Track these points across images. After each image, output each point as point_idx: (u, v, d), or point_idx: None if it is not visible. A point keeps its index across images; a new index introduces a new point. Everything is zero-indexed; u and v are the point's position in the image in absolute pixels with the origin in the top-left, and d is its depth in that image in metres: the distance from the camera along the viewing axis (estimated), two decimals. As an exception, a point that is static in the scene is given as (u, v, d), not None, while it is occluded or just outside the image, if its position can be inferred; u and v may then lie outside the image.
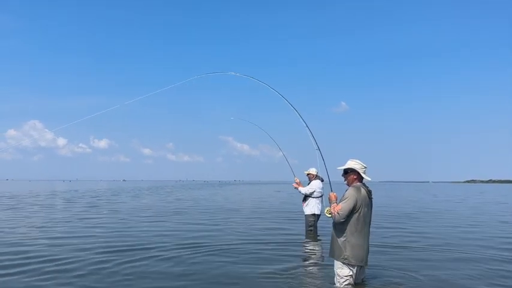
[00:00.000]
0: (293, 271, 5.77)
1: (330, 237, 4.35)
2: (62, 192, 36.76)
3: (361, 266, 4.20)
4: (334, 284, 4.25)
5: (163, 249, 7.51)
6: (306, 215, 8.74)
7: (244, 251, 7.35)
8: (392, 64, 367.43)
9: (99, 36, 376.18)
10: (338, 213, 4.01)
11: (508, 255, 7.14)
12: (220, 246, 7.83)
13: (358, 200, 4.03)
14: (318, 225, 8.83)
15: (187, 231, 9.99)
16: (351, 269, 4.12)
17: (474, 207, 20.65)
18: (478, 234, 9.98)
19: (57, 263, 6.25)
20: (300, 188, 8.56)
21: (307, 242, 8.37)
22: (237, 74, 6.78)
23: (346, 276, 4.12)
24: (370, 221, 4.27)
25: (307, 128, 5.34)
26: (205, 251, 7.27)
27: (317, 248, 7.76)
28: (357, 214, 4.03)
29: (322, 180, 8.44)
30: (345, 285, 4.10)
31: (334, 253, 4.19)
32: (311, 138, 5.22)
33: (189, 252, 7.15)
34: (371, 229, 4.36)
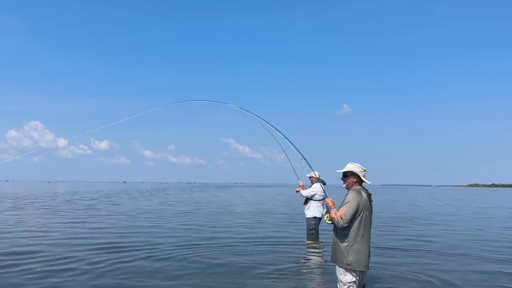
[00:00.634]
0: (294, 275, 5.70)
1: (331, 241, 4.23)
2: (62, 194, 36.75)
3: (364, 271, 4.08)
4: (337, 290, 4.14)
5: (160, 249, 7.51)
6: (307, 218, 8.65)
7: (244, 254, 7.25)
8: (395, 67, 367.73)
9: (102, 37, 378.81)
10: (341, 218, 3.87)
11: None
12: (220, 247, 7.77)
13: (360, 204, 3.92)
14: (319, 228, 8.72)
15: (187, 232, 9.90)
16: (353, 275, 3.99)
17: (479, 212, 20.47)
18: (486, 239, 9.86)
19: (56, 262, 6.33)
20: (302, 191, 8.52)
21: (308, 245, 8.29)
22: (232, 106, 6.40)
23: (349, 282, 3.98)
24: (371, 224, 4.14)
25: (287, 140, 5.29)
26: (205, 253, 7.18)
27: (318, 252, 7.67)
28: (359, 218, 3.91)
29: (324, 183, 8.33)
30: (348, 292, 3.96)
31: (336, 259, 4.06)
32: (294, 149, 5.22)
33: (189, 253, 7.10)
34: (372, 231, 4.23)
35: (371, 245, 4.04)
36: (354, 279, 3.99)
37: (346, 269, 3.99)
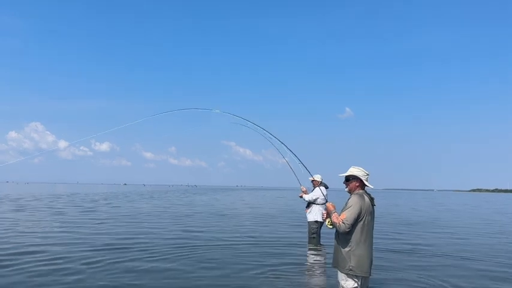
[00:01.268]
0: (295, 280, 5.64)
1: (332, 244, 4.17)
2: (61, 195, 36.80)
3: (366, 277, 4.01)
4: (338, 295, 4.08)
5: (158, 250, 7.56)
6: (308, 222, 8.60)
7: (245, 257, 7.21)
8: (397, 70, 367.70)
9: (102, 38, 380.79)
10: (343, 222, 3.80)
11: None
12: (222, 250, 7.73)
13: (362, 208, 3.84)
14: (320, 232, 8.66)
15: (186, 233, 9.85)
16: (355, 281, 3.91)
17: (485, 218, 20.32)
18: (495, 244, 9.83)
19: (52, 262, 6.42)
20: (304, 196, 8.48)
21: (309, 249, 8.24)
22: (218, 111, 6.38)
23: (351, 288, 3.91)
24: (373, 229, 4.07)
25: (287, 148, 5.23)
26: (207, 257, 7.14)
27: (320, 256, 7.62)
28: (362, 223, 3.84)
29: (326, 187, 8.29)
30: (350, 297, 3.90)
31: (338, 264, 3.99)
32: (293, 156, 5.22)
33: (187, 253, 7.09)
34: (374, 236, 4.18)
35: (373, 250, 3.98)
36: (356, 284, 3.92)
37: (348, 275, 3.92)
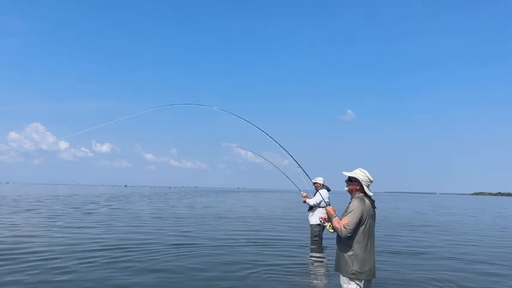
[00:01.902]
0: (297, 284, 5.60)
1: (335, 247, 4.13)
2: (63, 197, 36.80)
3: (369, 280, 3.97)
4: (341, 299, 4.05)
5: (155, 249, 7.71)
6: (311, 225, 8.56)
7: (246, 258, 7.20)
8: (398, 73, 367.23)
9: (103, 39, 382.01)
10: (345, 227, 3.75)
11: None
12: (224, 253, 7.73)
13: (364, 212, 3.77)
14: (323, 235, 8.63)
15: (187, 234, 9.88)
16: (358, 284, 3.87)
17: (487, 221, 20.19)
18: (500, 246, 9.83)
19: (53, 260, 6.58)
20: (308, 200, 8.35)
21: (312, 252, 8.21)
22: (214, 108, 6.38)
23: (353, 292, 3.87)
24: (374, 232, 4.03)
25: (286, 152, 5.19)
26: (209, 260, 7.12)
27: (322, 259, 7.59)
28: (363, 227, 3.77)
29: (328, 190, 8.25)
30: (352, 301, 3.86)
31: (340, 268, 3.94)
32: (287, 161, 5.18)
33: (187, 252, 7.09)
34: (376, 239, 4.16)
35: (375, 253, 3.95)
36: (358, 287, 3.89)
37: (351, 278, 3.88)
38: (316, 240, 8.52)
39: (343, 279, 3.91)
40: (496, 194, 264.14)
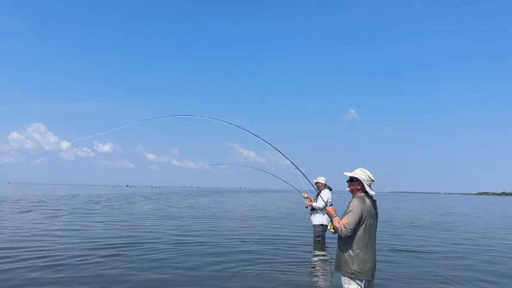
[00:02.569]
0: (298, 283, 5.61)
1: (336, 247, 4.13)
2: (64, 197, 36.92)
3: (369, 280, 3.96)
4: (341, 299, 4.05)
5: (154, 247, 7.87)
6: (314, 225, 8.55)
7: (248, 258, 7.22)
8: (402, 73, 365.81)
9: (105, 39, 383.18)
10: (345, 227, 3.75)
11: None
12: (226, 251, 7.75)
13: (363, 212, 3.77)
14: (325, 235, 8.62)
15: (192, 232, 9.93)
16: (359, 284, 3.86)
17: (491, 221, 20.06)
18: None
19: (50, 258, 6.76)
20: (315, 204, 8.16)
21: (314, 252, 8.21)
22: (204, 117, 6.32)
23: (354, 291, 3.86)
24: (376, 232, 4.03)
25: (282, 155, 5.20)
26: (211, 258, 7.15)
27: (324, 259, 7.59)
28: (363, 226, 3.77)
29: (330, 189, 8.23)
30: (353, 301, 3.86)
31: (340, 267, 3.94)
32: (289, 161, 5.13)
33: (189, 249, 7.13)
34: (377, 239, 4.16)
35: (376, 253, 3.95)
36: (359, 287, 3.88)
37: (351, 278, 3.88)
38: (318, 240, 8.51)
39: (344, 279, 3.90)
40: (500, 194, 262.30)
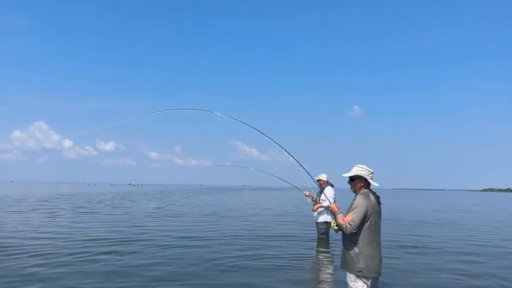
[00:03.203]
0: (302, 281, 5.58)
1: (342, 245, 4.07)
2: (67, 195, 37.12)
3: (376, 277, 3.89)
4: (347, 297, 3.99)
5: (154, 243, 7.77)
6: (317, 223, 8.49)
7: (252, 259, 7.15)
8: (407, 69, 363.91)
9: (107, 39, 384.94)
10: (350, 224, 3.69)
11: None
12: (230, 250, 7.71)
13: (368, 208, 3.73)
14: (329, 233, 8.56)
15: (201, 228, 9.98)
16: (365, 282, 3.80)
17: (496, 218, 19.92)
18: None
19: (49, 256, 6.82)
20: (325, 204, 7.92)
21: (318, 250, 8.17)
22: (218, 114, 5.92)
23: (360, 289, 3.80)
24: (380, 229, 3.96)
25: (286, 152, 5.09)
26: (216, 254, 7.12)
27: (329, 257, 7.54)
28: (368, 223, 3.73)
29: (332, 186, 8.14)
30: (360, 299, 3.79)
31: (347, 265, 3.88)
32: (292, 159, 4.96)
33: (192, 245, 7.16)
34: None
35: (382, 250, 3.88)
36: (365, 285, 3.82)
37: (357, 276, 3.82)
38: (322, 237, 8.47)
39: (350, 277, 3.85)
40: (506, 190, 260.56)
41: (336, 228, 3.89)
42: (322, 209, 8.13)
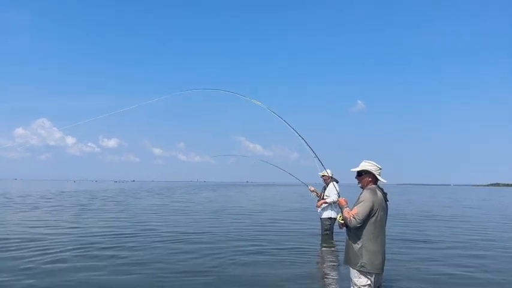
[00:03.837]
0: (306, 277, 5.59)
1: (345, 241, 4.05)
2: (70, 192, 37.39)
3: (379, 274, 3.88)
4: (351, 293, 3.97)
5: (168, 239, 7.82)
6: (321, 219, 8.46)
7: (255, 255, 7.16)
8: (411, 63, 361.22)
9: (109, 35, 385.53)
10: (354, 217, 3.68)
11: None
12: (234, 248, 7.69)
13: (375, 203, 3.72)
14: (333, 229, 8.53)
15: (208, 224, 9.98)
16: (368, 278, 3.79)
17: (503, 213, 19.78)
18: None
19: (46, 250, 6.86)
20: (329, 201, 7.93)
21: (322, 246, 8.15)
22: (255, 101, 5.56)
23: (364, 285, 3.79)
24: (385, 225, 3.95)
25: (302, 139, 5.01)
26: (220, 253, 7.15)
27: (333, 253, 7.54)
28: (374, 218, 3.72)
29: (336, 182, 8.09)
30: (363, 295, 3.77)
31: (350, 261, 3.87)
32: (308, 148, 4.90)
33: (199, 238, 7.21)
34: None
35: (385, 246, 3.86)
36: (369, 281, 3.81)
37: (361, 271, 3.81)
38: (326, 233, 8.45)
39: (354, 273, 3.84)
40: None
41: (342, 222, 3.89)
42: (326, 205, 8.11)
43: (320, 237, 8.61)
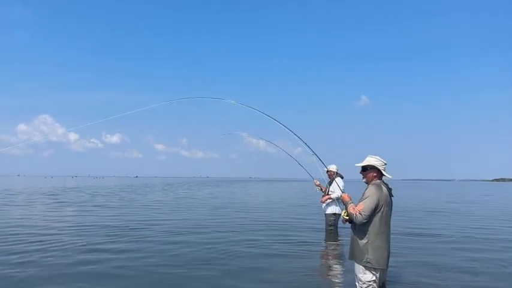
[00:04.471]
0: (311, 273, 5.56)
1: (350, 237, 4.04)
2: (72, 189, 37.62)
3: (384, 269, 3.86)
4: (356, 288, 3.95)
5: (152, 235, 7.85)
6: (326, 214, 8.44)
7: (260, 249, 7.17)
8: (415, 58, 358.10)
9: (111, 31, 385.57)
10: (360, 213, 3.65)
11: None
12: (239, 242, 7.71)
13: (380, 199, 3.71)
14: (338, 224, 8.51)
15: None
16: (373, 274, 3.78)
17: (503, 207, 19.64)
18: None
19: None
20: (334, 196, 7.86)
21: (327, 242, 8.13)
22: (234, 102, 5.92)
23: (369, 281, 3.78)
24: (390, 222, 3.92)
25: (299, 139, 5.00)
26: (224, 251, 7.12)
27: (337, 248, 7.52)
28: (380, 214, 3.70)
29: (342, 177, 8.06)
30: (368, 291, 3.76)
31: (355, 256, 3.85)
32: (305, 146, 4.96)
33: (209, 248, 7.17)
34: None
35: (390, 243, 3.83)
36: (374, 277, 3.79)
37: (366, 267, 3.79)
38: (331, 229, 8.43)
39: (359, 268, 3.82)
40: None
41: (346, 217, 3.86)
42: (331, 200, 8.07)
43: (324, 233, 8.61)
